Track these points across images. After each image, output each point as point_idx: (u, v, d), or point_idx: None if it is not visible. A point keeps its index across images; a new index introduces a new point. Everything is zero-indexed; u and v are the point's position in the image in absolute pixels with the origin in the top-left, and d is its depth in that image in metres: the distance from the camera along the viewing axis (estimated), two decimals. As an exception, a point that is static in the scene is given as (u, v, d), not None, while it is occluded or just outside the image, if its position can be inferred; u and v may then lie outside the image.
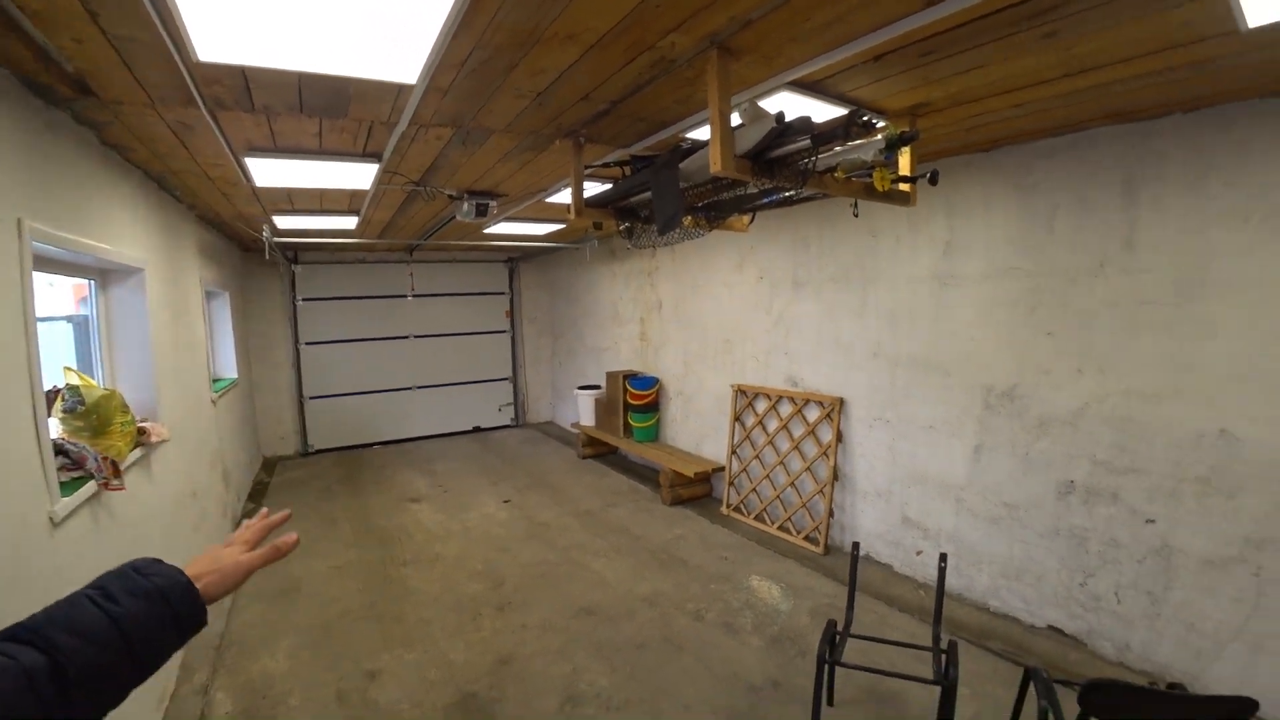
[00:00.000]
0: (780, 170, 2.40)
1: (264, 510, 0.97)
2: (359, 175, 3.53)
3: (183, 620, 0.75)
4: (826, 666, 2.40)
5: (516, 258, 8.95)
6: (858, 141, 2.35)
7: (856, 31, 1.92)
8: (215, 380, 5.71)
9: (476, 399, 8.95)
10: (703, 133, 2.84)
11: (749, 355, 5.24)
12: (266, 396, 7.63)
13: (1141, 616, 2.98)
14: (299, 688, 3.10)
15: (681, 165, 2.71)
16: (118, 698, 0.69)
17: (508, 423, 9.21)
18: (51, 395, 2.76)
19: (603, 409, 7.01)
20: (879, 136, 2.39)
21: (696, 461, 5.67)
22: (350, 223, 5.23)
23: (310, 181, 3.69)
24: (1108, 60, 2.15)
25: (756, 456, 5.09)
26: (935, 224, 3.75)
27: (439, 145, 3.11)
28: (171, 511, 3.63)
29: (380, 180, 3.71)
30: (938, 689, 2.38)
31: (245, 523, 0.94)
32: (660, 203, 2.71)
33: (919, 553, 3.96)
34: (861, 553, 4.22)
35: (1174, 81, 2.37)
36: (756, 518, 4.99)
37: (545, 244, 7.15)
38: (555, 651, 3.33)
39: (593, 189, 3.68)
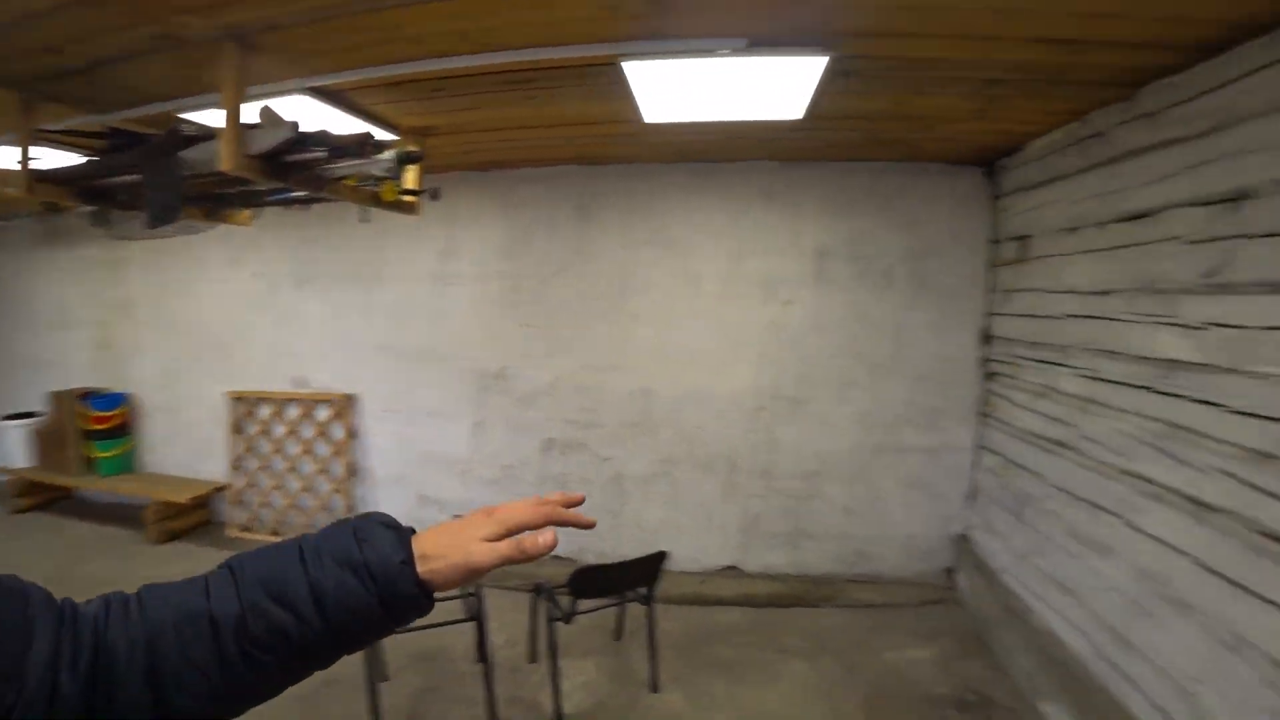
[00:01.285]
0: (294, 174, 2.43)
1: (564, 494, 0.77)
2: None
3: (391, 605, 0.63)
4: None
5: None
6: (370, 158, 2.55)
7: (375, 60, 2.15)
8: None
9: None
10: (204, 116, 2.62)
11: (249, 359, 4.86)
12: None
13: (609, 528, 4.03)
14: None
15: (184, 153, 2.46)
16: (305, 669, 0.65)
17: None
18: None
19: (46, 442, 5.35)
20: (389, 154, 2.63)
21: (191, 486, 4.94)
22: None
23: None
24: (568, 123, 2.92)
25: (264, 467, 4.77)
26: (436, 230, 4.20)
27: None
28: None
29: None
30: (474, 631, 2.81)
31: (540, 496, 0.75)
32: (156, 192, 2.42)
33: (441, 525, 4.42)
34: (390, 536, 4.46)
35: (611, 143, 3.33)
36: (272, 531, 4.70)
37: None
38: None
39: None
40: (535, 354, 4.06)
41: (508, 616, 3.49)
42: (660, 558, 2.58)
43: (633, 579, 2.71)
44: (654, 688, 2.95)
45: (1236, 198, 2.04)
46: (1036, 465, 3.20)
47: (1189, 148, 2.25)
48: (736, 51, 2.00)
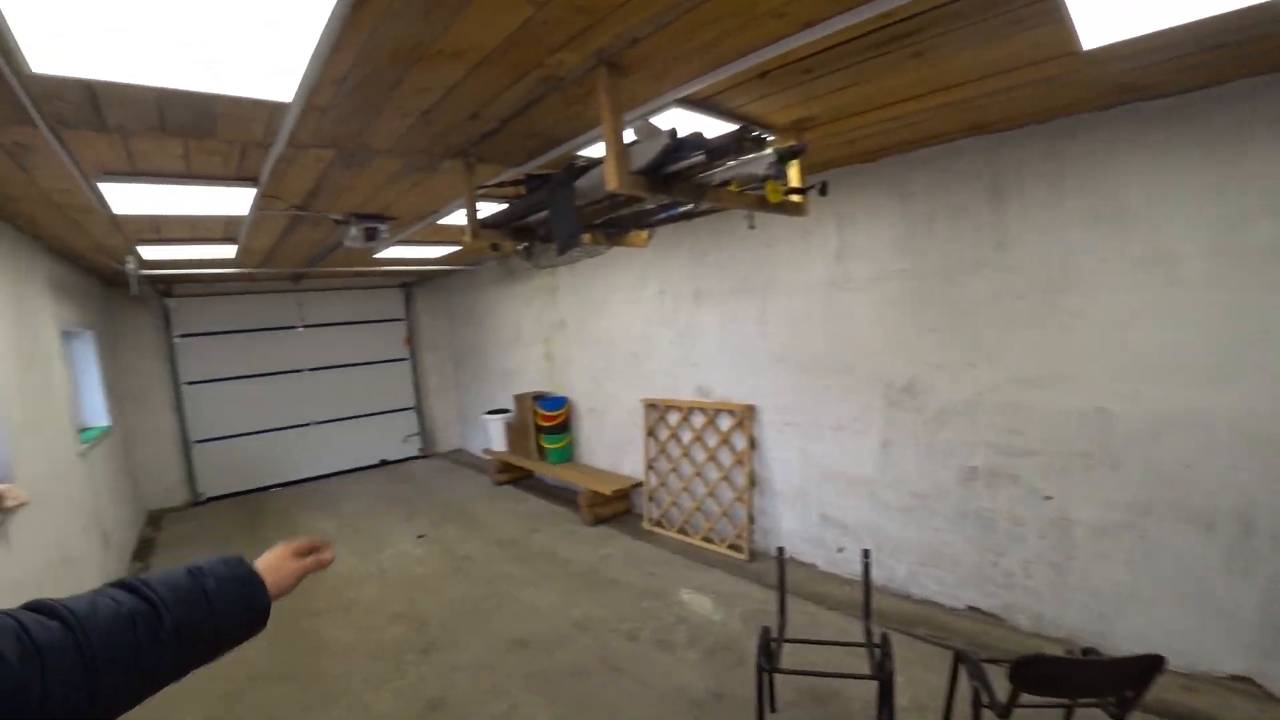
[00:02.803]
0: (676, 185, 2.41)
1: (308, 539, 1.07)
2: (234, 201, 3.28)
3: (252, 609, 0.90)
4: (765, 675, 2.40)
5: (411, 282, 8.62)
6: (749, 156, 2.39)
7: (738, 51, 1.96)
8: (82, 430, 5.17)
9: (381, 431, 8.54)
10: (597, 150, 2.81)
11: (657, 369, 5.25)
12: (147, 444, 6.97)
13: (1049, 588, 3.16)
14: (204, 767, 2.84)
15: (577, 183, 2.68)
16: (195, 660, 0.82)
17: (415, 454, 8.83)
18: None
19: (514, 433, 6.85)
20: (769, 151, 2.44)
21: (614, 479, 5.62)
22: (228, 251, 4.87)
23: (179, 208, 3.40)
24: (969, 77, 2.31)
25: (674, 469, 5.09)
26: (826, 232, 3.88)
27: (320, 167, 2.94)
28: (38, 583, 3.24)
29: (258, 205, 3.47)
30: (874, 683, 2.42)
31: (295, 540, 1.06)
32: (558, 222, 2.66)
33: (840, 550, 4.07)
34: (786, 555, 4.30)
35: (1026, 96, 2.56)
36: (679, 530, 4.99)
37: (441, 267, 6.92)
38: (489, 689, 3.19)
39: (490, 209, 3.58)
40: (948, 364, 3.43)
41: (915, 672, 3.00)
42: (1153, 667, 1.79)
43: (1102, 684, 1.97)
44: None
45: None
46: None
47: None
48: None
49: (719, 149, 2.25)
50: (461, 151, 2.85)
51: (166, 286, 6.98)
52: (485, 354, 8.02)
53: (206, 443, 7.36)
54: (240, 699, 3.30)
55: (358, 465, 8.33)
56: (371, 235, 4.24)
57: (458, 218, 4.16)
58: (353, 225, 4.15)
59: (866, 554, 2.77)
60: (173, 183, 2.92)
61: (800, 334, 4.12)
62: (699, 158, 2.27)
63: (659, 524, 5.17)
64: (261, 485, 7.66)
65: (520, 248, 3.39)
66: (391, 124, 2.40)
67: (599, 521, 5.46)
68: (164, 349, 7.11)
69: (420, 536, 5.54)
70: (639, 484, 5.44)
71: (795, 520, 4.33)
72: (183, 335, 7.19)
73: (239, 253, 4.99)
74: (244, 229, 4.06)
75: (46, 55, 1.62)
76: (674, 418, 5.09)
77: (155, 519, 6.83)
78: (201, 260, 5.31)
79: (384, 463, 8.52)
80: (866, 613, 2.71)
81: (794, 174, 2.87)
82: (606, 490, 5.34)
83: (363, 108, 2.21)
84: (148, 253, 4.70)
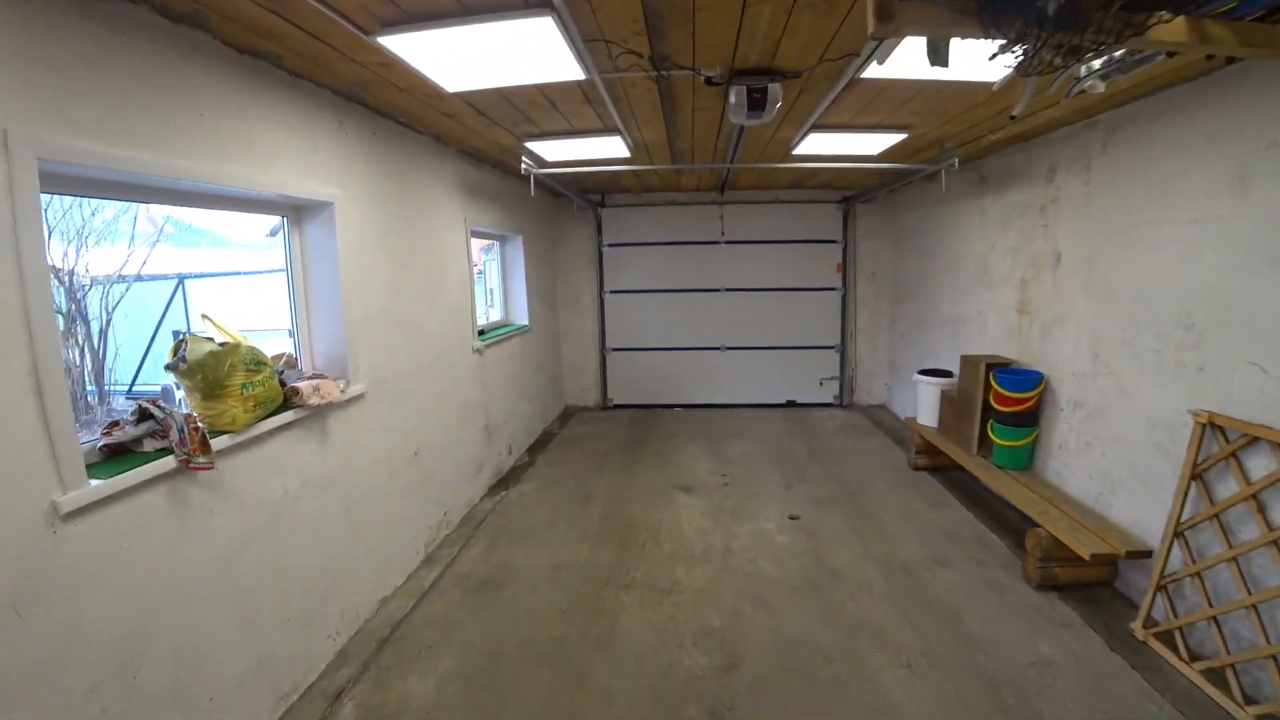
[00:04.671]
0: None
1: None
2: (548, 44, 2.38)
3: None
4: None
5: (851, 196, 7.06)
6: None
7: None
8: (496, 327, 5.39)
9: (794, 369, 7.45)
10: None
11: (1240, 358, 2.73)
12: (573, 346, 7.42)
13: None
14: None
15: None
16: None
17: (829, 401, 7.52)
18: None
19: (951, 408, 4.89)
20: None
21: (1097, 527, 3.35)
22: (617, 146, 4.20)
23: (505, 75, 2.77)
24: None
25: (1234, 558, 2.64)
26: None
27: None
28: (365, 481, 3.15)
29: (589, 52, 2.53)
30: None
31: None
32: None
33: None
34: None
35: None
36: (1210, 671, 2.63)
37: (883, 165, 4.97)
38: None
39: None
40: None
41: None
42: None
43: None
44: None
45: None
46: None
47: None
48: None
49: None
50: None
51: (600, 197, 7.05)
52: (933, 292, 6.03)
53: (620, 351, 7.44)
54: (500, 665, 2.83)
55: (761, 402, 7.47)
56: (758, 103, 3.01)
57: (878, 70, 2.61)
58: (730, 87, 2.98)
59: None
60: (456, 22, 2.20)
61: None
62: None
63: (1165, 637, 2.86)
64: (662, 402, 7.49)
65: (995, 45, 1.60)
66: None
67: (1049, 586, 3.37)
68: (594, 257, 7.27)
69: (792, 518, 4.36)
70: (1145, 553, 3.12)
71: None
72: (610, 245, 7.23)
73: (633, 149, 4.32)
74: (609, 104, 3.23)
75: None
76: (1260, 461, 2.60)
77: (567, 416, 7.19)
78: (597, 160, 4.83)
79: (790, 404, 7.49)
80: None
81: None
82: (1081, 548, 3.16)
83: None
84: (545, 152, 4.36)
